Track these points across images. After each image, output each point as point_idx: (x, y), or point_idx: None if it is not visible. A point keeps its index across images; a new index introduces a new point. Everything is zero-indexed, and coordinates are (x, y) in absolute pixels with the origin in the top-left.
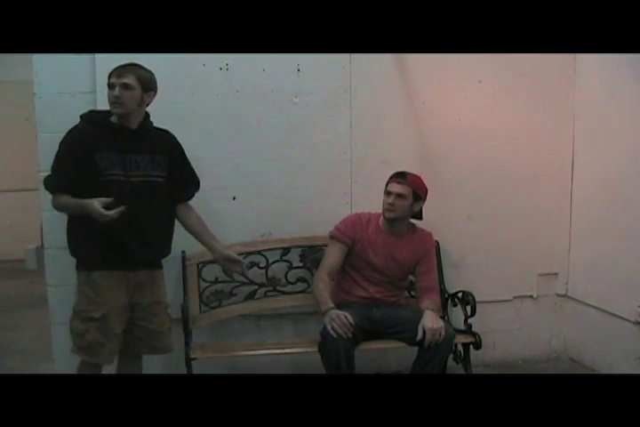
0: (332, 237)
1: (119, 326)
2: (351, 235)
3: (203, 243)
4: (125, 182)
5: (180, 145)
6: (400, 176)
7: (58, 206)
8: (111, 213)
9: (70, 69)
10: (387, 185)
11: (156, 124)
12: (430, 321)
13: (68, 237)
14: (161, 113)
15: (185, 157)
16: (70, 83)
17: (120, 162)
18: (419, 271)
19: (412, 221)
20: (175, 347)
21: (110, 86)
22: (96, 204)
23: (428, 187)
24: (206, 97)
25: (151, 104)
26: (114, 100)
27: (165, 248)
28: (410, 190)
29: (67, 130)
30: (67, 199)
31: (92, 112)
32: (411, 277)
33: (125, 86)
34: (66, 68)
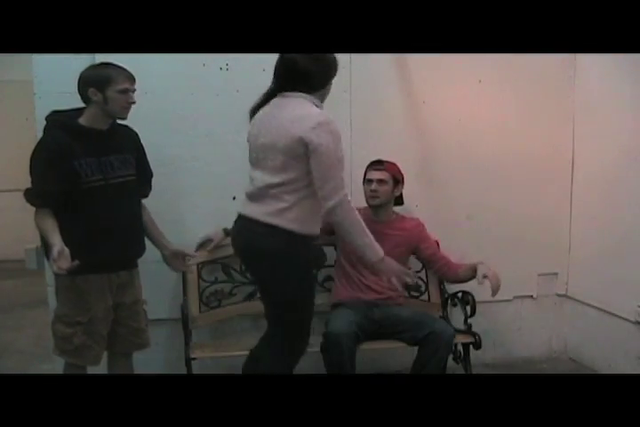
0: None
1: (105, 328)
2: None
3: (153, 239)
4: (105, 186)
5: (140, 140)
6: (377, 163)
7: (37, 223)
8: (64, 266)
9: (70, 69)
10: (365, 174)
11: (157, 125)
12: (488, 268)
13: (44, 242)
14: (161, 113)
15: (145, 152)
16: (70, 83)
17: (98, 166)
18: (427, 254)
19: (396, 210)
20: (175, 346)
21: (124, 91)
22: (55, 251)
23: (421, 180)
24: (206, 97)
25: (152, 104)
26: (126, 106)
27: (143, 246)
28: (389, 175)
29: None
30: (43, 223)
31: (55, 113)
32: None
33: (134, 92)
34: (66, 68)
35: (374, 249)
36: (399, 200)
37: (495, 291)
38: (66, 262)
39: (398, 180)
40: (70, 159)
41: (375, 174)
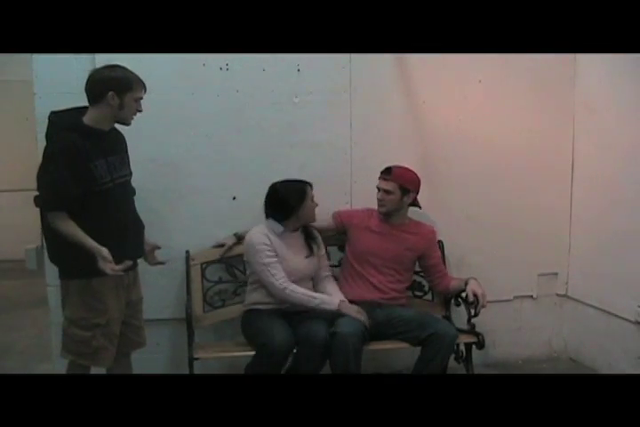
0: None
1: (119, 328)
2: (345, 220)
3: None
4: (114, 187)
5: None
6: (386, 172)
7: (61, 229)
8: (118, 267)
9: (70, 69)
10: (378, 179)
11: (157, 125)
12: (479, 287)
13: (51, 246)
14: (161, 113)
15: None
16: (70, 83)
17: (107, 167)
18: (430, 264)
19: (413, 215)
20: (178, 346)
21: (139, 100)
22: (105, 253)
23: (421, 181)
24: (206, 97)
25: (152, 104)
26: (135, 114)
27: (143, 244)
28: (396, 185)
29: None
30: (68, 227)
31: (57, 114)
32: (415, 277)
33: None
34: (66, 68)
35: (328, 303)
36: (416, 205)
37: (482, 306)
38: (113, 264)
39: (407, 189)
40: (86, 161)
41: (382, 184)
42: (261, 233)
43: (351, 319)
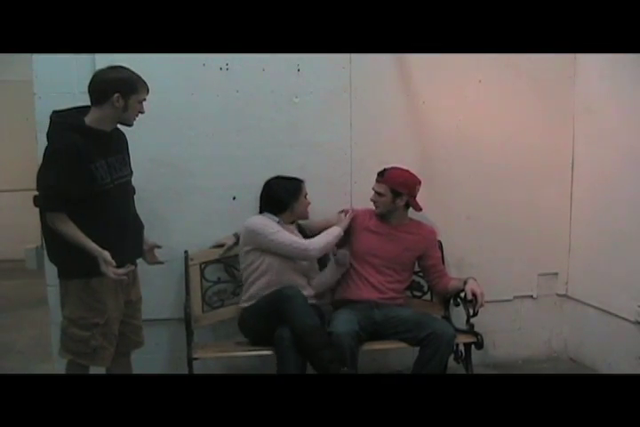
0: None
1: (117, 328)
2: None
3: None
4: (114, 187)
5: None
6: (380, 174)
7: (61, 230)
8: (121, 271)
9: (70, 69)
10: None
11: (157, 125)
12: (478, 286)
13: (50, 246)
14: (161, 113)
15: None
16: (70, 83)
17: (107, 168)
18: (429, 265)
19: (415, 216)
20: (177, 346)
21: (142, 101)
22: (107, 257)
23: (422, 180)
24: (206, 97)
25: (152, 104)
26: (137, 115)
27: (142, 245)
28: (387, 188)
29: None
30: (68, 228)
31: (60, 114)
32: (414, 277)
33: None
34: (66, 68)
35: (336, 232)
36: (412, 205)
37: (481, 306)
38: (116, 268)
39: (399, 192)
40: (87, 163)
41: (375, 185)
42: (262, 218)
43: (345, 318)
